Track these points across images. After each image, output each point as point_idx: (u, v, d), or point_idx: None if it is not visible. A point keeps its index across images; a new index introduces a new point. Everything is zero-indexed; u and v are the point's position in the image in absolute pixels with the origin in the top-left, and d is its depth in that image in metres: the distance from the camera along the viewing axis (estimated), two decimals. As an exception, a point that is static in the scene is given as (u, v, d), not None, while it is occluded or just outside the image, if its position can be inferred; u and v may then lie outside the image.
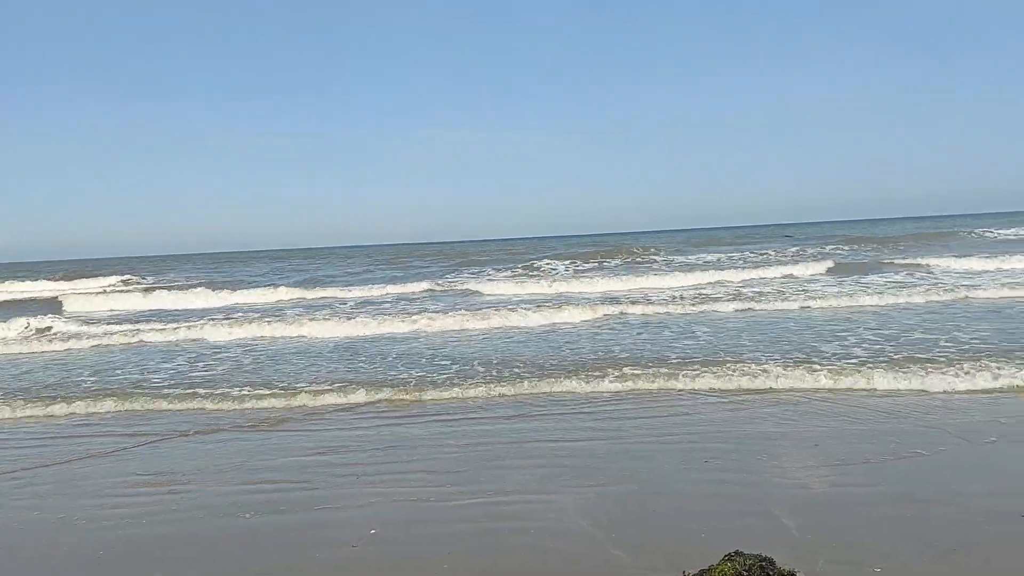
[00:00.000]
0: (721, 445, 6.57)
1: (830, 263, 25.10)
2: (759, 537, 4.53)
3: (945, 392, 7.91)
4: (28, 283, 39.99)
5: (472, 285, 24.24)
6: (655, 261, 33.61)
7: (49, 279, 42.42)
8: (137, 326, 17.75)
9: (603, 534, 4.74)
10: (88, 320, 20.26)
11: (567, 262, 34.28)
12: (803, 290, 18.45)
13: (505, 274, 31.18)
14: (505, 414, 8.12)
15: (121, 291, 30.75)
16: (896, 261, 25.69)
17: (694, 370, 9.31)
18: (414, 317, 15.94)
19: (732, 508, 5.10)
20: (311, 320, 16.24)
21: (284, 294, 25.23)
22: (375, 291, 24.70)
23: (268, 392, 9.63)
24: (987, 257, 24.83)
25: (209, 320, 17.73)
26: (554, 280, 24.23)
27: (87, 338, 15.90)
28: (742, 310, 15.56)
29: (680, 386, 8.77)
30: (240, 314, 19.63)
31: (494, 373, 10.01)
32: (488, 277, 28.16)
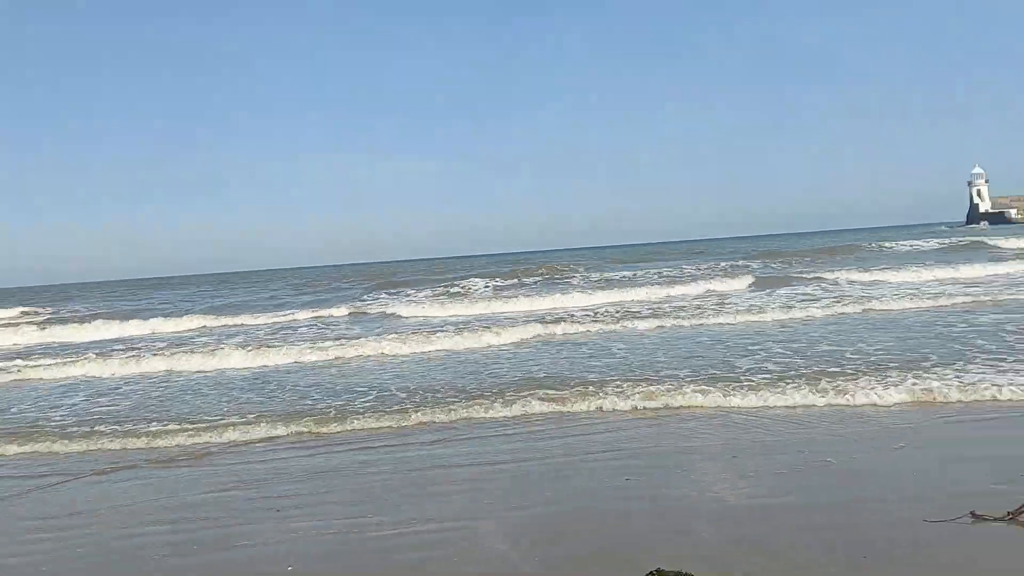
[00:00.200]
0: (641, 462, 6.64)
1: (750, 278, 25.66)
2: (680, 552, 4.58)
3: (853, 403, 8.17)
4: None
5: (392, 307, 23.97)
6: (575, 279, 33.91)
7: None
8: (31, 361, 16.89)
9: (524, 557, 4.72)
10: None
11: (487, 280, 34.13)
12: (721, 305, 18.90)
13: (426, 292, 30.99)
14: (427, 440, 8.04)
15: (17, 324, 29.28)
16: (806, 275, 26.51)
17: (615, 388, 9.39)
18: (333, 343, 15.68)
19: (653, 524, 5.15)
20: (224, 349, 15.76)
21: (194, 322, 24.45)
22: (291, 316, 24.20)
23: (178, 427, 9.28)
24: (886, 269, 26.07)
25: (113, 352, 17.04)
26: (476, 300, 24.26)
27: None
28: (662, 327, 15.76)
29: (600, 404, 8.83)
30: (147, 344, 18.94)
31: (416, 399, 9.89)
32: (409, 299, 27.93)
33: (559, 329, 15.97)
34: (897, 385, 8.43)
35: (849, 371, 9.48)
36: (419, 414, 8.95)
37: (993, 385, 8.14)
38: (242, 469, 7.40)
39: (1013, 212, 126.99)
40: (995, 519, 4.68)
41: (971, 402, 7.82)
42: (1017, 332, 11.69)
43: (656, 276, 31.55)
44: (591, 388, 9.52)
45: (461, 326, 17.99)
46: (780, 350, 11.67)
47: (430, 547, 5.01)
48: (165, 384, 13.00)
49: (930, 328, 12.93)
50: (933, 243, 45.17)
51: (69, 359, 16.36)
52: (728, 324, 15.60)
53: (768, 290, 22.68)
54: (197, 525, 5.81)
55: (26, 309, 41.23)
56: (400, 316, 22.17)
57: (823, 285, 22.97)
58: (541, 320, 17.95)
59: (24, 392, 13.29)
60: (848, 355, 10.76)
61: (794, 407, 8.18)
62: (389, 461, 7.29)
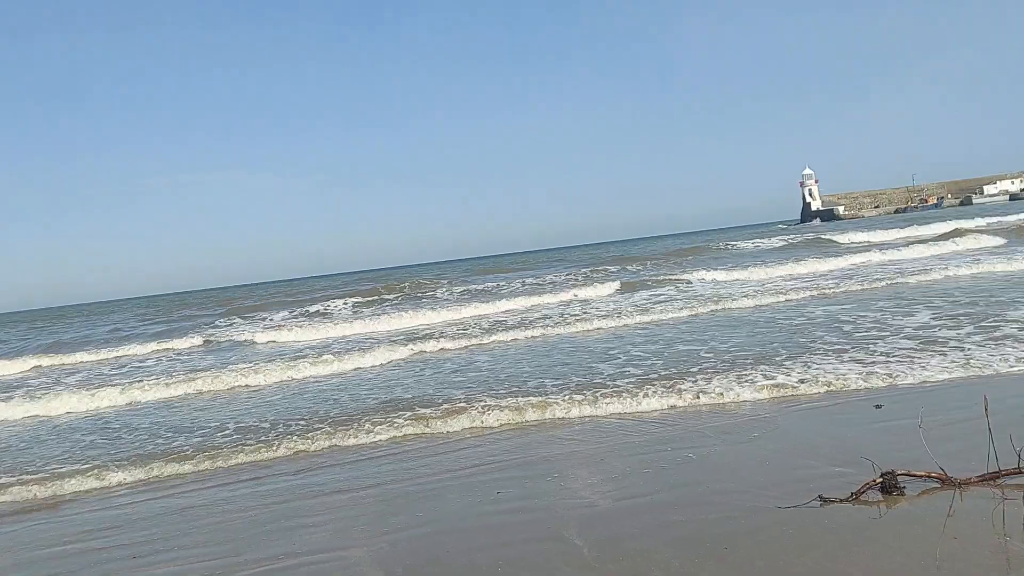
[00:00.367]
0: (510, 474, 6.67)
1: (609, 283, 26.26)
2: (551, 561, 4.62)
3: (711, 400, 8.52)
4: None
5: (248, 334, 23.02)
6: (439, 293, 33.75)
7: None
8: None
9: (400, 583, 4.62)
10: None
11: (345, 300, 33.30)
12: (584, 311, 19.34)
13: (283, 314, 30.02)
14: (292, 470, 7.76)
15: None
16: (663, 277, 27.40)
17: (481, 403, 9.40)
18: (185, 376, 14.88)
19: (525, 535, 5.17)
20: (63, 391, 14.67)
21: (27, 363, 22.63)
22: (138, 349, 22.83)
23: (14, 479, 8.55)
24: (735, 268, 27.52)
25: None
26: (337, 321, 23.67)
27: None
28: (528, 337, 15.93)
29: (468, 420, 8.81)
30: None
31: (280, 429, 9.53)
32: (265, 324, 26.96)
33: (425, 347, 15.77)
34: (752, 381, 8.85)
35: (708, 369, 9.90)
36: (283, 446, 8.61)
37: (836, 374, 8.73)
38: (95, 517, 6.90)
39: (841, 209, 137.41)
40: (841, 500, 4.99)
41: (818, 391, 8.33)
42: (853, 323, 12.58)
43: (521, 286, 31.93)
44: (459, 405, 9.48)
45: (322, 350, 17.55)
46: (639, 353, 12.06)
47: (299, 582, 4.83)
48: (-1, 433, 11.95)
49: (777, 323, 13.71)
50: (776, 241, 48.07)
51: None
52: (591, 330, 15.99)
53: (627, 294, 23.46)
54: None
55: None
56: (256, 343, 21.31)
57: (679, 286, 23.96)
58: (406, 338, 17.76)
59: None
60: (703, 354, 11.24)
61: (657, 408, 8.44)
62: (253, 496, 6.99)
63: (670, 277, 26.93)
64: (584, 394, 9.25)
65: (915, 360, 9.06)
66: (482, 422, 8.65)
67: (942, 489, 5.00)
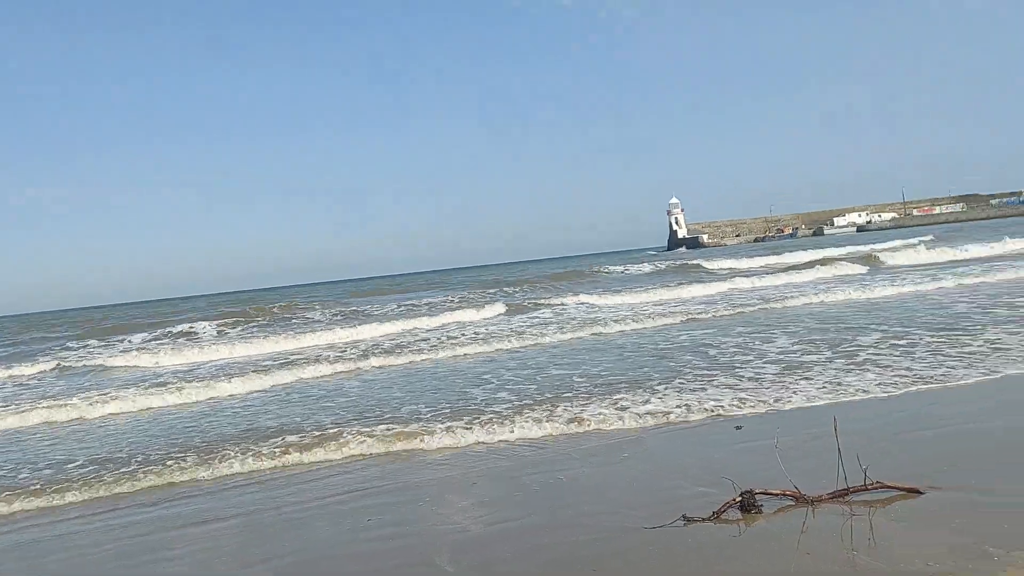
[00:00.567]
0: (381, 500, 6.55)
1: (493, 307, 26.18)
2: (422, 590, 4.54)
3: (583, 425, 8.62)
4: None
5: (105, 358, 21.68)
6: (312, 316, 32.85)
7: None
8: None
9: (262, 619, 4.43)
10: None
11: (211, 322, 31.70)
12: (458, 335, 19.29)
13: (143, 336, 28.56)
14: (148, 501, 7.34)
15: None
16: (539, 301, 27.53)
17: (351, 430, 9.19)
18: (32, 405, 13.82)
19: (396, 562, 5.09)
20: None
21: None
22: (-19, 376, 21.09)
23: None
24: (606, 293, 28.18)
25: None
26: (202, 345, 22.65)
27: None
28: (401, 363, 15.64)
29: (335, 448, 8.56)
30: None
31: (140, 460, 8.93)
32: (124, 347, 25.51)
33: (295, 373, 15.15)
34: (623, 407, 8.99)
35: (581, 393, 10.00)
36: (141, 477, 8.09)
37: (704, 397, 9.04)
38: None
39: (705, 237, 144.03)
40: (703, 519, 5.16)
41: (686, 415, 8.56)
42: (719, 347, 13.10)
43: (396, 308, 31.61)
44: (329, 432, 9.22)
45: (185, 375, 16.77)
46: (512, 377, 12.14)
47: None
48: None
49: (648, 348, 14.12)
50: (646, 267, 49.76)
51: None
52: (467, 355, 15.92)
53: (504, 318, 23.52)
54: None
55: None
56: (114, 368, 20.07)
57: (555, 310, 24.25)
58: (275, 363, 17.22)
59: None
60: (576, 378, 11.41)
61: (529, 432, 8.46)
62: (108, 530, 6.57)
63: (546, 301, 27.23)
64: (457, 420, 9.21)
65: (780, 384, 9.46)
66: (351, 449, 8.42)
67: (796, 506, 5.25)
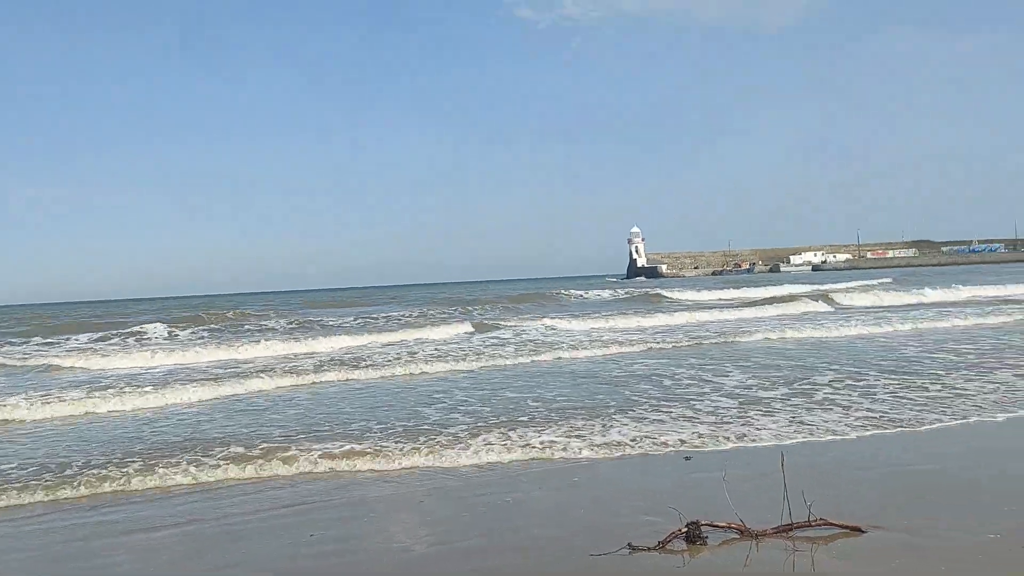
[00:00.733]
0: (325, 515, 6.45)
1: (454, 326, 25.91)
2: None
3: (531, 449, 8.54)
4: None
5: (50, 358, 21.00)
6: (264, 324, 32.37)
7: None
8: None
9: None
10: None
11: (163, 326, 30.77)
12: (419, 353, 19.17)
13: (91, 339, 27.78)
14: (85, 507, 7.14)
15: None
16: (503, 323, 27.40)
17: (297, 443, 9.10)
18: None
19: (337, 581, 5.00)
20: None
21: None
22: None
23: None
24: (574, 317, 28.09)
25: None
26: (153, 350, 22.14)
27: None
28: (355, 378, 15.43)
29: (282, 460, 8.40)
30: None
31: (79, 465, 8.61)
32: (71, 348, 24.82)
33: (247, 383, 14.76)
34: (580, 435, 8.91)
35: (539, 418, 9.93)
36: (79, 483, 7.78)
37: (665, 430, 8.99)
38: None
39: (664, 267, 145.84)
40: (649, 549, 5.16)
41: (642, 446, 8.56)
42: (672, 378, 13.18)
43: (352, 321, 31.30)
44: (276, 444, 9.06)
45: (132, 379, 16.41)
46: (466, 397, 12.09)
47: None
48: None
49: (606, 376, 14.15)
50: (607, 294, 50.14)
51: None
52: (420, 372, 15.78)
53: (465, 336, 23.38)
54: None
55: None
56: (57, 368, 19.45)
57: (514, 331, 24.18)
58: (226, 372, 16.93)
59: None
60: (531, 402, 11.38)
61: (479, 454, 8.38)
62: (37, 534, 6.37)
63: (506, 323, 27.16)
64: (407, 439, 9.13)
65: (742, 419, 9.43)
66: (299, 465, 8.24)
67: (741, 539, 5.28)
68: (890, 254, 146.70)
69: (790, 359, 15.23)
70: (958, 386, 11.05)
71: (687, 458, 7.74)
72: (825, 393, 11.04)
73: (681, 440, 8.47)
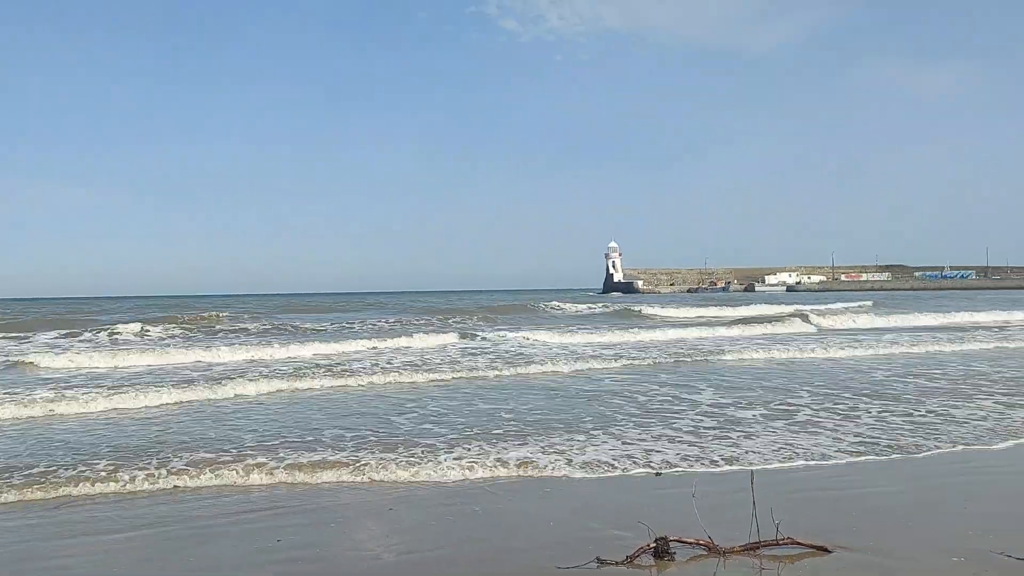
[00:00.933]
0: (293, 521, 6.39)
1: (438, 336, 25.65)
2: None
3: (505, 465, 8.42)
4: None
5: (15, 356, 20.61)
6: (243, 326, 32.05)
7: None
8: None
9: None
10: None
11: (134, 326, 30.21)
12: (391, 361, 19.07)
13: (58, 332, 27.33)
14: (45, 508, 7.02)
15: None
16: (482, 333, 27.20)
17: (268, 447, 9.03)
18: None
19: (302, 588, 4.96)
20: None
21: None
22: None
23: None
24: (544, 330, 28.06)
25: None
26: (125, 350, 21.70)
27: None
28: (336, 386, 15.11)
29: (254, 468, 8.32)
30: None
31: (44, 466, 8.42)
32: (37, 345, 24.44)
33: (215, 389, 14.23)
34: (560, 450, 8.86)
35: (512, 432, 9.80)
36: (43, 486, 7.55)
37: (648, 449, 8.79)
38: None
39: (640, 283, 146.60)
40: (616, 563, 5.17)
41: (620, 464, 8.57)
42: (645, 396, 13.20)
43: (329, 328, 31.13)
44: (247, 451, 8.89)
45: (100, 380, 16.19)
46: (439, 408, 12.04)
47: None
48: None
49: (584, 390, 14.19)
50: (584, 307, 50.25)
51: None
52: (395, 382, 15.61)
53: (438, 345, 23.23)
54: None
55: None
56: (23, 365, 18.98)
57: (492, 343, 24.07)
58: (194, 373, 16.74)
59: None
60: (503, 414, 11.34)
61: (450, 468, 8.32)
62: (-3, 533, 6.25)
63: (482, 334, 26.94)
64: (381, 449, 9.08)
65: (725, 439, 9.32)
66: (267, 468, 8.08)
67: (708, 556, 5.31)
68: (864, 277, 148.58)
69: (771, 378, 15.34)
70: (957, 414, 10.79)
71: (658, 473, 7.77)
72: (807, 414, 10.99)
73: (665, 460, 8.26)
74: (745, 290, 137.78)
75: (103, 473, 7.93)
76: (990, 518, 6.14)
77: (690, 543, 5.38)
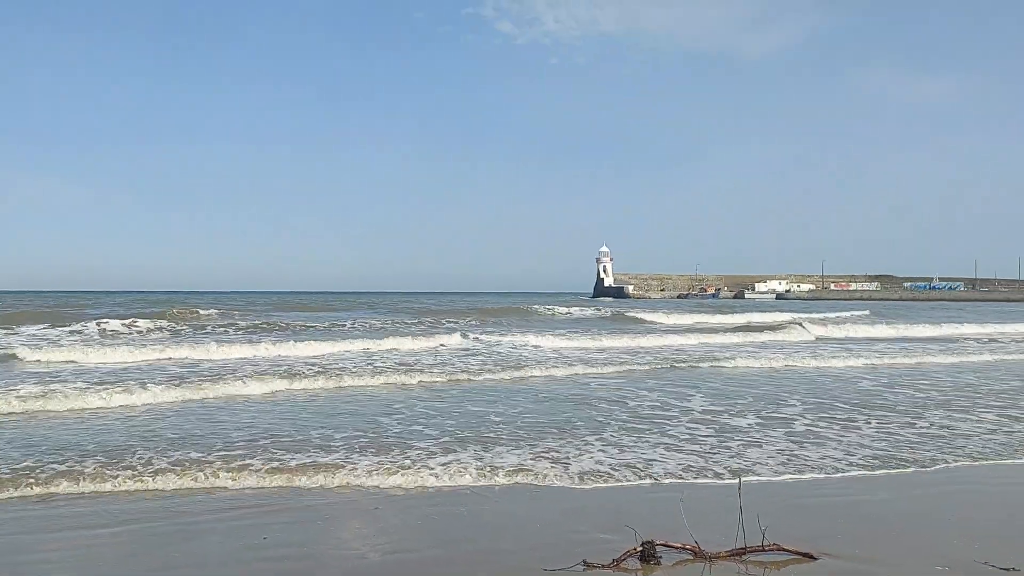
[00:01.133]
0: (280, 519, 6.37)
1: (448, 338, 25.48)
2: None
3: (495, 471, 8.38)
4: None
5: (5, 349, 20.45)
6: (238, 325, 31.78)
7: None
8: None
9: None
10: None
11: (124, 321, 29.87)
12: (386, 363, 19.02)
13: (44, 326, 27.07)
14: (28, 503, 6.97)
15: None
16: (479, 336, 26.91)
17: (257, 446, 9.00)
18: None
19: (287, 586, 4.94)
20: None
21: None
22: None
23: None
24: (541, 333, 27.80)
25: None
26: (115, 346, 21.37)
27: None
28: (333, 387, 14.92)
29: (237, 470, 8.24)
30: None
31: (32, 460, 8.35)
32: (27, 339, 24.27)
33: (204, 388, 13.99)
34: (556, 458, 8.90)
35: (505, 437, 9.68)
36: (29, 483, 7.43)
37: (653, 459, 8.70)
38: None
39: (631, 288, 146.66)
40: (603, 566, 5.18)
41: (621, 473, 8.58)
42: (635, 400, 13.23)
43: (322, 327, 30.98)
44: (235, 452, 8.78)
45: (88, 375, 16.09)
46: (427, 410, 12.01)
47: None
48: None
49: (578, 396, 14.15)
50: (576, 311, 50.18)
51: None
52: (387, 383, 15.49)
53: (432, 347, 23.01)
54: None
55: None
56: (12, 360, 18.78)
57: (486, 345, 24.04)
58: (183, 369, 16.66)
59: None
60: (493, 417, 11.32)
61: (436, 471, 8.31)
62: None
63: (476, 336, 26.71)
64: (373, 452, 9.05)
65: (725, 449, 9.14)
66: (255, 468, 8.01)
67: (694, 561, 5.31)
68: (853, 287, 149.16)
69: (774, 386, 15.37)
70: (962, 428, 10.63)
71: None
72: (807, 424, 10.86)
73: (675, 473, 7.97)
74: (735, 297, 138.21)
75: (88, 469, 7.85)
76: (979, 528, 6.17)
77: (676, 547, 5.39)
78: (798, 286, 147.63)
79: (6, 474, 7.62)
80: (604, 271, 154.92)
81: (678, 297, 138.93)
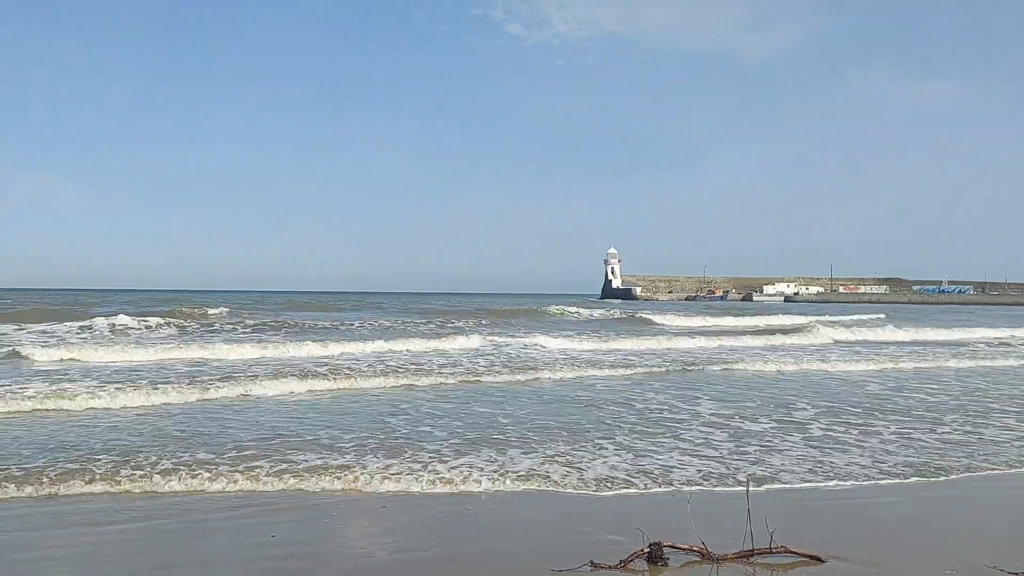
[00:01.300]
0: (288, 517, 6.38)
1: (458, 339, 25.21)
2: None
3: (496, 465, 8.47)
4: None
5: (17, 348, 20.47)
6: (248, 323, 31.78)
7: None
8: None
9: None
10: None
11: (134, 319, 30.01)
12: (393, 363, 19.02)
13: (49, 325, 27.15)
14: (34, 501, 7.00)
15: None
16: (489, 337, 26.73)
17: (267, 446, 9.03)
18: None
19: (294, 584, 4.95)
20: None
21: None
22: None
23: None
24: (553, 335, 27.60)
25: None
26: (125, 346, 21.32)
27: None
28: (344, 387, 14.89)
29: (243, 471, 8.23)
30: None
31: (44, 459, 8.39)
32: (40, 337, 24.38)
33: (210, 389, 13.88)
34: (570, 461, 8.86)
35: (513, 439, 9.59)
36: (34, 482, 7.40)
37: (671, 465, 8.50)
38: None
39: (638, 290, 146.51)
40: (610, 567, 5.17)
41: (639, 481, 8.56)
42: (641, 402, 13.19)
43: (330, 327, 30.98)
44: (245, 453, 8.80)
45: (96, 375, 16.13)
46: (434, 411, 11.97)
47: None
48: None
49: (592, 398, 14.16)
50: (585, 312, 50.07)
51: None
52: (396, 384, 15.32)
53: (442, 348, 22.91)
54: None
55: None
56: (29, 359, 18.84)
57: (496, 346, 23.99)
58: (188, 368, 16.68)
59: None
60: (499, 418, 11.25)
61: (442, 471, 8.34)
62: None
63: (487, 337, 26.53)
64: (384, 454, 9.04)
65: (741, 453, 9.01)
66: (263, 469, 7.99)
67: (702, 563, 5.30)
68: (862, 289, 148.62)
69: (794, 392, 15.26)
70: (988, 434, 10.42)
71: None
72: (823, 429, 10.71)
73: (695, 480, 7.72)
74: (743, 299, 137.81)
75: (97, 468, 7.85)
76: (988, 532, 6.14)
77: (684, 549, 5.38)
78: (806, 288, 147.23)
79: (16, 473, 7.65)
80: (612, 273, 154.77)
81: (686, 299, 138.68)
